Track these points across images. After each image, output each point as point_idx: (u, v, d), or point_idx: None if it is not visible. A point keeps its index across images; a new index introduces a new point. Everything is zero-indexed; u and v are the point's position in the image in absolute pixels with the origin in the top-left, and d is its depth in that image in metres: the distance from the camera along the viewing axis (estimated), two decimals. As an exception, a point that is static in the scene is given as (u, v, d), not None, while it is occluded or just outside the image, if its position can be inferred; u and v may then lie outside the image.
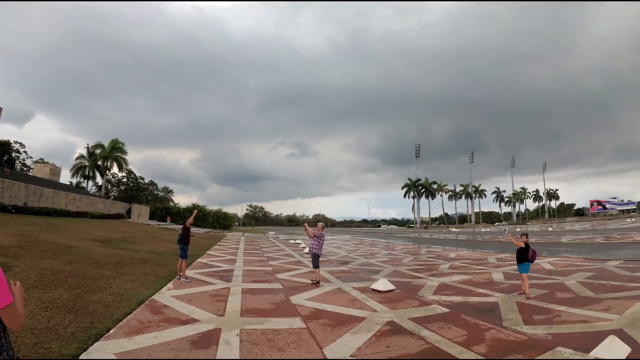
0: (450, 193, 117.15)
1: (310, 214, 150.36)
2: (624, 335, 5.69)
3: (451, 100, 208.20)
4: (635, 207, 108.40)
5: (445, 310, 7.66)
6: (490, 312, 7.62)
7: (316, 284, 10.64)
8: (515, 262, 9.51)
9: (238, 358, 4.78)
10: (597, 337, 5.48)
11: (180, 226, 13.17)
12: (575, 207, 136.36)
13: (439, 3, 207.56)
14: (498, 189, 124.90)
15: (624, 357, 4.85)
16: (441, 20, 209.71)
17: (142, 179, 79.34)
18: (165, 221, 52.07)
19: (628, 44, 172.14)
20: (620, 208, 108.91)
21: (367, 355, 5.01)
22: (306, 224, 12.45)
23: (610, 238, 27.56)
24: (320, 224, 11.62)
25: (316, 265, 11.08)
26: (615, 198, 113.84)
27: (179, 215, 57.02)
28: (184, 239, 11.12)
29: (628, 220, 65.35)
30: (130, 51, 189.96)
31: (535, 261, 12.58)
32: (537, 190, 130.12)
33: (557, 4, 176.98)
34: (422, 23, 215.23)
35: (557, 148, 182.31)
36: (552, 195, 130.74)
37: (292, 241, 32.74)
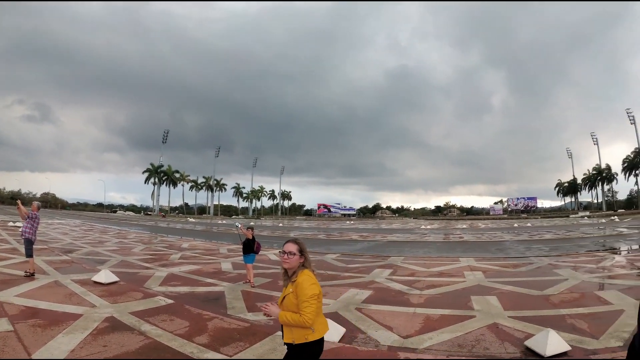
0: (192, 183, 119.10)
1: (38, 191, 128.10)
2: (338, 318, 6.53)
3: (209, 96, 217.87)
4: (355, 212, 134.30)
5: (170, 301, 7.73)
6: (216, 302, 7.94)
7: (30, 276, 9.65)
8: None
9: None
10: (315, 321, 5.98)
11: None
12: (305, 208, 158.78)
13: (226, 4, 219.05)
14: (238, 184, 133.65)
15: (339, 337, 5.47)
16: (222, 19, 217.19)
17: None
18: None
19: (367, 89, 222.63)
20: (342, 212, 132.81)
21: (81, 358, 4.76)
22: (19, 201, 10.88)
23: (331, 236, 32.71)
24: (35, 203, 10.66)
25: (29, 253, 9.98)
26: (339, 204, 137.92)
27: None
28: None
29: (348, 222, 79.82)
30: None
31: (262, 252, 13.62)
32: (274, 190, 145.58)
33: (326, 45, 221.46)
34: (202, 16, 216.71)
35: (295, 157, 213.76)
36: (286, 195, 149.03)
37: (11, 224, 29.25)
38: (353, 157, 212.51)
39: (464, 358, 4.88)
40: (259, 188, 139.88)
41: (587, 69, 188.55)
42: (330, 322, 5.59)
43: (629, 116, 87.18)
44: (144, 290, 8.81)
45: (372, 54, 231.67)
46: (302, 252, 3.03)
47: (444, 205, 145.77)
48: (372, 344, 5.41)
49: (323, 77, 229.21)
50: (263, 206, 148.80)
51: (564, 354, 4.80)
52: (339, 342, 5.36)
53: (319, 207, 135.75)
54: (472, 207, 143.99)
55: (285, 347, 3.02)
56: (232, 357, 4.83)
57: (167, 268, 12.18)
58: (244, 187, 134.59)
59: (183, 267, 12.52)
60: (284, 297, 2.98)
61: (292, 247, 3.03)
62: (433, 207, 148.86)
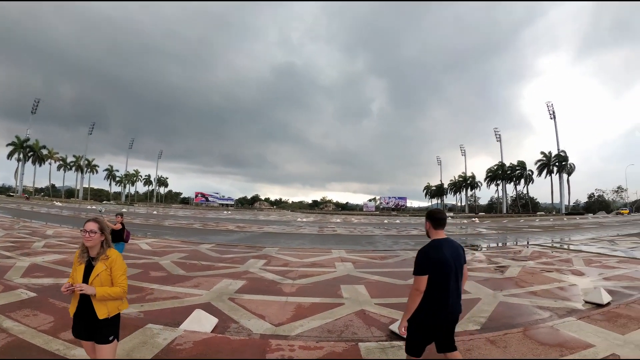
0: (60, 162, 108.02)
1: None
2: (211, 308, 6.51)
3: (86, 66, 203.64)
4: (233, 203, 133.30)
5: (33, 294, 7.29)
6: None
7: None
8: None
9: None
10: (187, 311, 5.99)
11: None
12: (182, 196, 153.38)
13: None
14: (111, 166, 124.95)
15: (211, 328, 5.46)
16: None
17: None
18: None
19: (252, 81, 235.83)
20: (220, 202, 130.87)
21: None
22: None
23: (207, 225, 32.14)
24: None
25: None
26: (217, 193, 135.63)
27: None
28: None
29: (225, 212, 78.80)
30: None
31: (133, 241, 12.98)
32: (149, 175, 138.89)
33: (216, 30, 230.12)
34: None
35: (174, 142, 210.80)
36: (162, 182, 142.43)
37: None
38: (233, 147, 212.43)
39: (333, 342, 5.16)
40: (134, 172, 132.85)
41: (460, 90, 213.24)
42: (202, 312, 5.71)
43: (495, 134, 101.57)
44: (4, 282, 8.15)
45: (262, 47, 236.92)
46: (102, 230, 3.25)
47: (321, 200, 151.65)
48: (244, 333, 5.47)
49: (210, 62, 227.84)
50: (137, 192, 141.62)
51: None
52: (211, 332, 5.34)
53: (196, 196, 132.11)
54: (347, 203, 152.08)
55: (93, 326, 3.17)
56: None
57: (30, 257, 11.29)
58: (117, 170, 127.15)
59: (47, 256, 11.65)
60: (96, 275, 3.13)
61: (93, 226, 3.20)
62: (310, 201, 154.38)
